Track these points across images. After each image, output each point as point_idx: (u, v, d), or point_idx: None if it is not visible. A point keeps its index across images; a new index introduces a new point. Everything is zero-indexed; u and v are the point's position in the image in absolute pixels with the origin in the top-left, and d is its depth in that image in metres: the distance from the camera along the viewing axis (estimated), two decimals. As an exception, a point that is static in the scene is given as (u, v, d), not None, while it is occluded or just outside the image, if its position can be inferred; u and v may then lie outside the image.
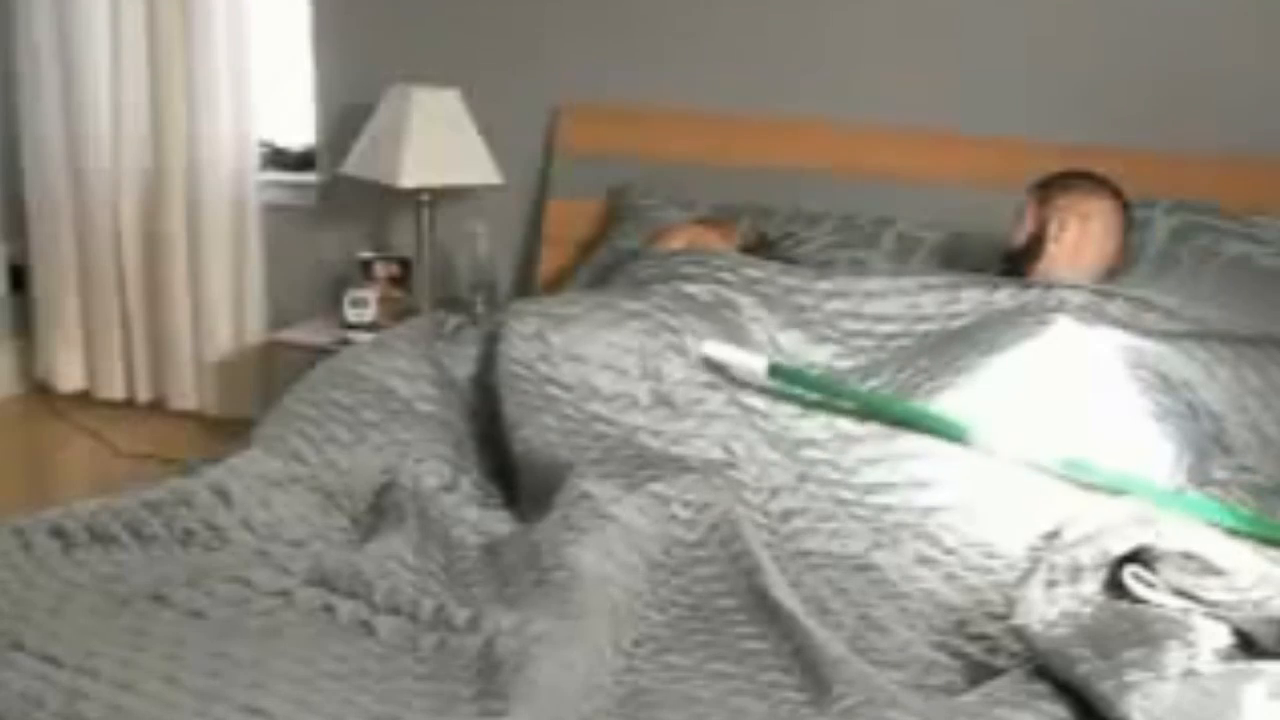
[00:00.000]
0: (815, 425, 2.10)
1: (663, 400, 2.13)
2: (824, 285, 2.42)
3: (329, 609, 1.57)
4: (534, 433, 2.08)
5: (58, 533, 1.72)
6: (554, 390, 2.14)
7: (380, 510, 1.94)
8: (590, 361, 2.18)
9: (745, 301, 2.35)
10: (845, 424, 2.09)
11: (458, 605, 1.58)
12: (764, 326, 2.32)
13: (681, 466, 1.97)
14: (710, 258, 2.52)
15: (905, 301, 2.37)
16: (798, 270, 2.51)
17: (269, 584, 1.61)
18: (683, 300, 2.32)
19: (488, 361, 2.27)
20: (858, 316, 2.37)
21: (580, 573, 1.64)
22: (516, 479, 2.09)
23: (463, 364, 2.32)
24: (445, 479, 2.05)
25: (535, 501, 1.96)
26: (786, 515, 1.93)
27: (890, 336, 2.33)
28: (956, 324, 2.32)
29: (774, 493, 1.97)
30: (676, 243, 2.75)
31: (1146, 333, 2.22)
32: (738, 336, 2.27)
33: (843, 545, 1.87)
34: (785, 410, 2.13)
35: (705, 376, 2.16)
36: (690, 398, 2.13)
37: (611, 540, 1.74)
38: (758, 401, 2.13)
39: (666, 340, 2.21)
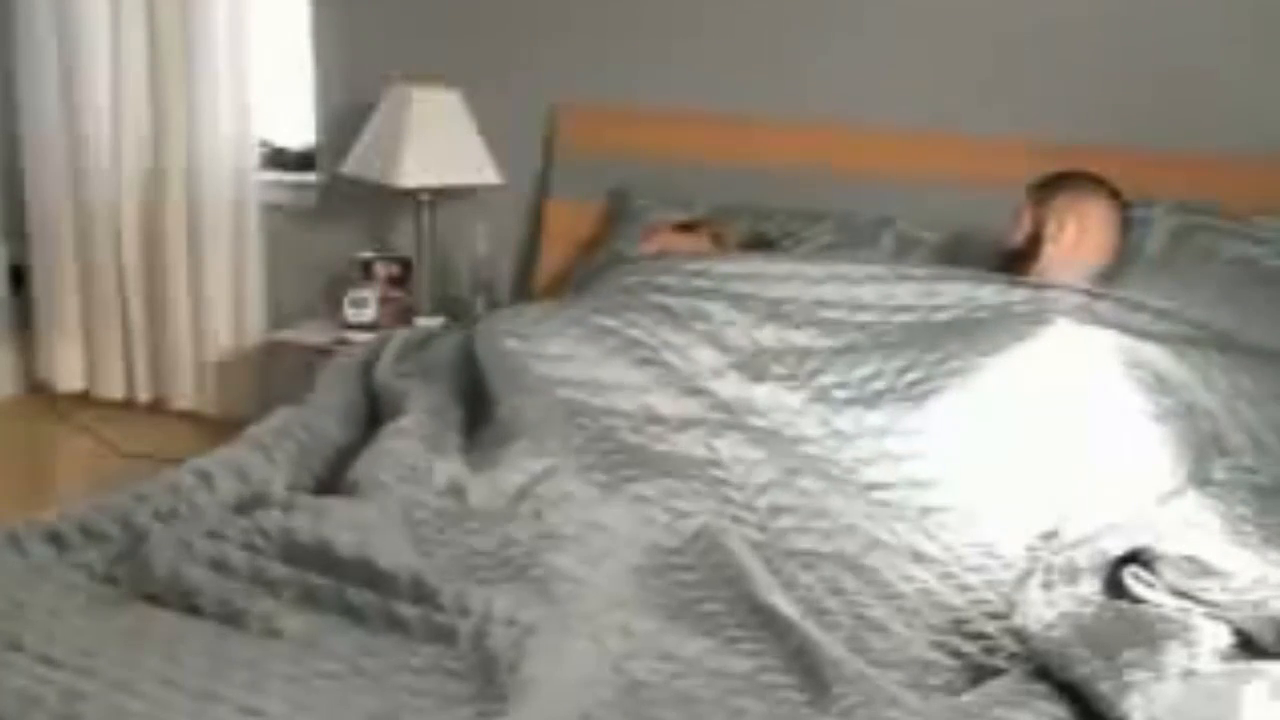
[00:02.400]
0: (810, 423, 2.10)
1: (645, 409, 2.15)
2: (777, 269, 2.43)
3: (313, 598, 1.56)
4: (515, 410, 2.09)
5: (52, 537, 1.72)
6: (539, 376, 2.18)
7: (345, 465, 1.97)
8: (568, 379, 2.19)
9: (716, 309, 2.34)
10: (841, 422, 2.10)
11: (438, 579, 1.57)
12: (740, 329, 2.31)
13: (661, 468, 1.97)
14: (682, 263, 2.51)
15: (880, 290, 2.37)
16: (774, 259, 2.52)
17: (247, 570, 1.61)
18: (655, 313, 2.32)
19: (463, 364, 2.29)
20: (834, 305, 2.36)
21: (556, 570, 1.64)
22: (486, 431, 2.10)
23: (442, 368, 2.33)
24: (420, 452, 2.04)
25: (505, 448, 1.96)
26: (775, 512, 1.93)
27: (867, 324, 2.32)
28: (940, 316, 2.32)
29: (761, 489, 1.97)
30: (650, 249, 2.76)
31: (1144, 335, 2.22)
32: (713, 342, 2.27)
33: (838, 545, 1.86)
34: (783, 403, 2.13)
35: (688, 386, 2.17)
36: (673, 405, 2.15)
37: (590, 546, 1.75)
38: (744, 394, 2.14)
39: (640, 355, 2.22)
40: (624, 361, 2.21)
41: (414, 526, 1.78)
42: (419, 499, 1.87)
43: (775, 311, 2.34)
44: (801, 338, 2.29)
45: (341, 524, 1.68)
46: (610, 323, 2.29)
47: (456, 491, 1.90)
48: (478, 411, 2.17)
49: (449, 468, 1.96)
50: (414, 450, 1.98)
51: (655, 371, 2.20)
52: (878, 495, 1.99)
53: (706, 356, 2.24)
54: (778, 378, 2.20)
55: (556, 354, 2.23)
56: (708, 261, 2.51)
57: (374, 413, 2.26)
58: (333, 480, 2.01)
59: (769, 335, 2.30)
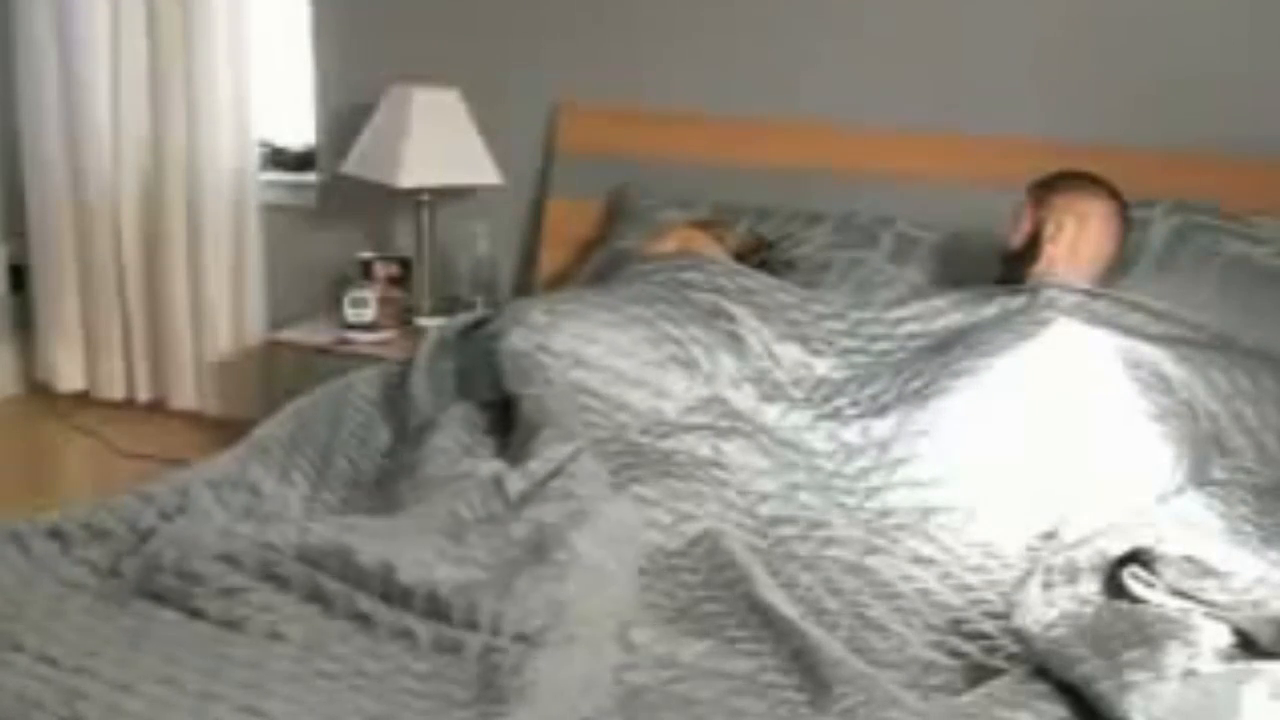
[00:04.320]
0: (818, 437, 2.11)
1: (657, 407, 2.14)
2: (817, 308, 2.43)
3: (322, 599, 1.56)
4: (536, 401, 2.09)
5: (55, 534, 1.72)
6: (550, 375, 2.17)
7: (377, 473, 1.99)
8: (590, 363, 2.19)
9: (740, 312, 2.35)
10: (848, 434, 2.11)
11: (452, 590, 1.56)
12: (760, 338, 2.32)
13: (665, 468, 1.97)
14: (707, 264, 2.52)
15: (893, 316, 2.40)
16: (790, 288, 2.51)
17: (257, 565, 1.60)
18: (685, 308, 2.33)
19: (489, 356, 2.28)
20: (853, 335, 2.37)
21: (579, 554, 1.64)
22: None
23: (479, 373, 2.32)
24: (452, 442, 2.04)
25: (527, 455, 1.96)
26: (774, 521, 1.94)
27: (885, 353, 2.34)
28: (942, 322, 2.34)
29: (762, 498, 1.98)
30: (668, 245, 2.75)
31: (1144, 335, 2.22)
32: (735, 347, 2.27)
33: (838, 551, 1.87)
34: (794, 421, 2.14)
35: (705, 392, 2.17)
36: (687, 404, 2.15)
37: (607, 530, 1.75)
38: (757, 413, 2.14)
39: (669, 352, 2.22)
40: (650, 354, 2.21)
41: (457, 527, 1.77)
42: (467, 498, 1.86)
43: (795, 333, 2.35)
44: (822, 366, 2.31)
45: (366, 532, 1.68)
46: (643, 313, 2.28)
47: (499, 486, 1.90)
48: (507, 415, 2.16)
49: (489, 467, 1.96)
50: (456, 455, 2.00)
51: (678, 369, 2.20)
52: (880, 501, 1.99)
53: (728, 363, 2.24)
54: (792, 400, 2.22)
55: (578, 337, 2.22)
56: (730, 269, 2.51)
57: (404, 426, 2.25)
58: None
59: (789, 356, 2.31)
